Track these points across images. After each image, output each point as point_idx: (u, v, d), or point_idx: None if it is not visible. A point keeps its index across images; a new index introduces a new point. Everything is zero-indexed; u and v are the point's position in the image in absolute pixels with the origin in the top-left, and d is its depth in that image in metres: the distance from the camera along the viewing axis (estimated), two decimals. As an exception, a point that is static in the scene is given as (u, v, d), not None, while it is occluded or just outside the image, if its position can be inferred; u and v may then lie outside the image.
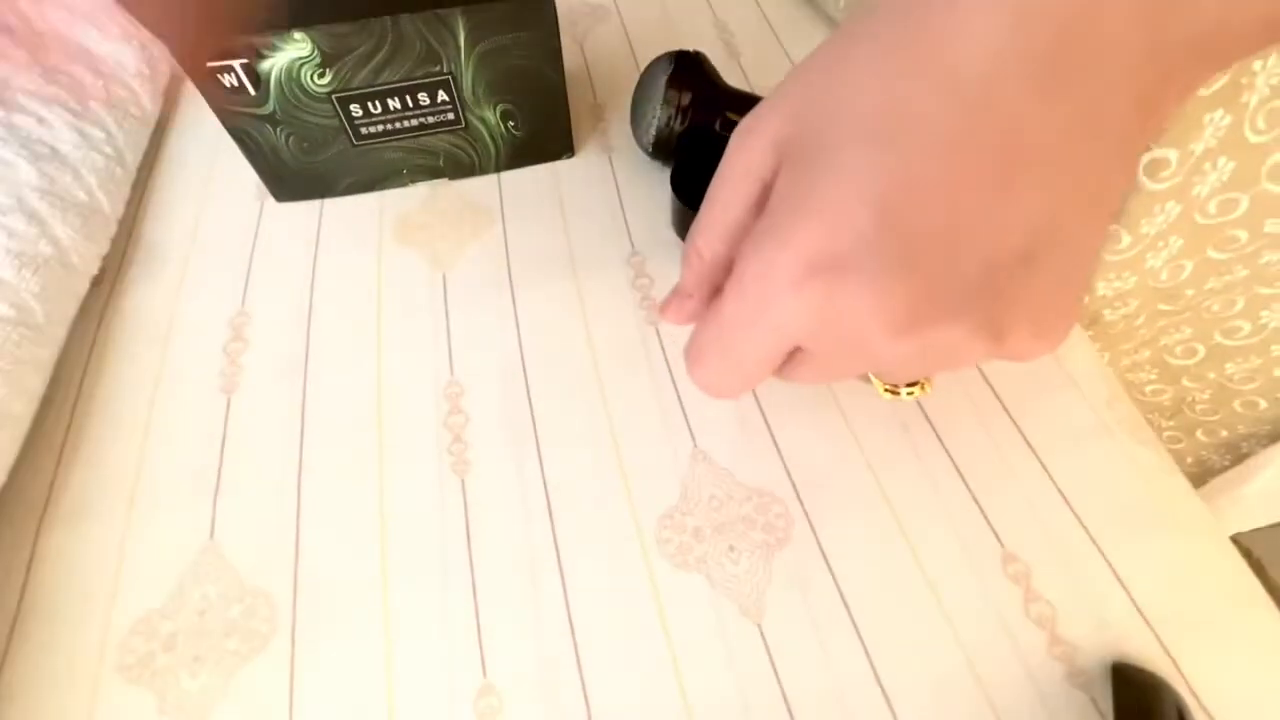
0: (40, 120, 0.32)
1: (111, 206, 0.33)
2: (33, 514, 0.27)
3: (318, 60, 0.29)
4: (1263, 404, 0.39)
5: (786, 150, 0.18)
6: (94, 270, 0.32)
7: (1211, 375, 0.38)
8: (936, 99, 0.16)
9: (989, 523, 0.26)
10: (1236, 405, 0.40)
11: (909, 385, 0.26)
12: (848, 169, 0.16)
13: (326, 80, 0.30)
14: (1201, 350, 0.37)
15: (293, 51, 0.29)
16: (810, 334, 0.18)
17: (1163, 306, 0.35)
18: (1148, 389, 0.41)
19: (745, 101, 0.33)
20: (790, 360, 0.20)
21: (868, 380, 0.26)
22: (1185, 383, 0.40)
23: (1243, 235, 0.30)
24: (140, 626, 0.25)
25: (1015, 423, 0.28)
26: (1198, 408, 0.41)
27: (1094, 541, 0.25)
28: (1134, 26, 0.15)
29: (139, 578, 0.26)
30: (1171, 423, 0.44)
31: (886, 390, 0.26)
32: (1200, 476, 0.47)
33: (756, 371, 0.20)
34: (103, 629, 0.25)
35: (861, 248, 0.16)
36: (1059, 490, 0.26)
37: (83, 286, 0.31)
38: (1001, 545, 0.25)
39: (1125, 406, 0.28)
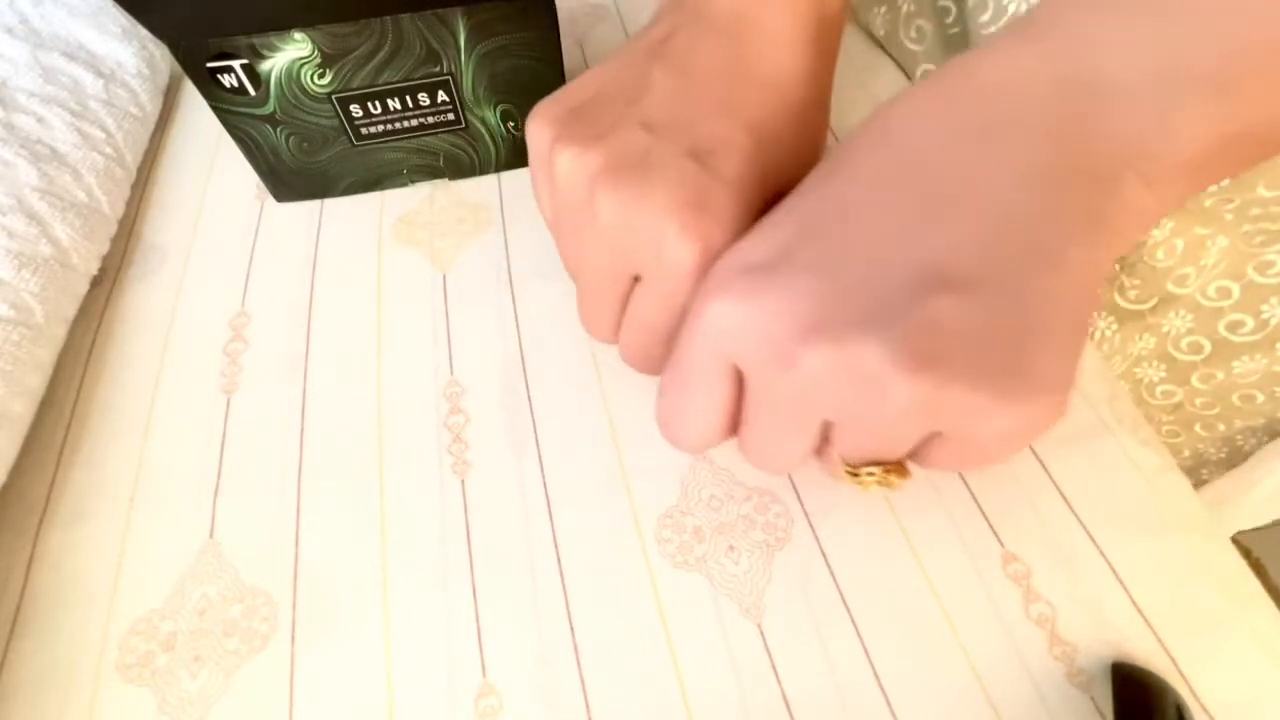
0: (40, 120, 0.32)
1: (111, 206, 0.33)
2: (33, 514, 0.27)
3: (318, 60, 0.29)
4: (1260, 397, 0.39)
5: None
6: (94, 270, 0.32)
7: (1220, 375, 0.38)
8: (872, 150, 0.19)
9: (989, 523, 0.26)
10: (1234, 399, 0.40)
11: (870, 466, 0.21)
12: (786, 201, 0.20)
13: (326, 80, 0.30)
14: (1208, 346, 0.37)
15: (293, 51, 0.29)
16: (737, 343, 0.18)
17: (1173, 288, 0.35)
18: (1159, 390, 0.41)
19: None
20: (741, 407, 0.20)
21: (836, 473, 0.22)
22: (1195, 382, 0.40)
23: (1229, 216, 0.31)
24: (140, 626, 0.25)
25: (1015, 423, 0.28)
26: (1197, 402, 0.42)
27: (1094, 541, 0.25)
28: (1060, 110, 0.17)
29: (139, 578, 0.26)
30: (1171, 418, 0.44)
31: (848, 470, 0.21)
32: (1194, 469, 0.47)
33: (702, 408, 0.20)
34: (103, 629, 0.25)
35: (779, 255, 0.18)
36: (1059, 490, 0.26)
37: (82, 286, 0.31)
38: (1001, 545, 0.25)
39: (1125, 406, 0.28)
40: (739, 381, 0.19)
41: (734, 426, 0.21)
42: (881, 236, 0.17)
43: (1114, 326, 0.39)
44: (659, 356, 0.24)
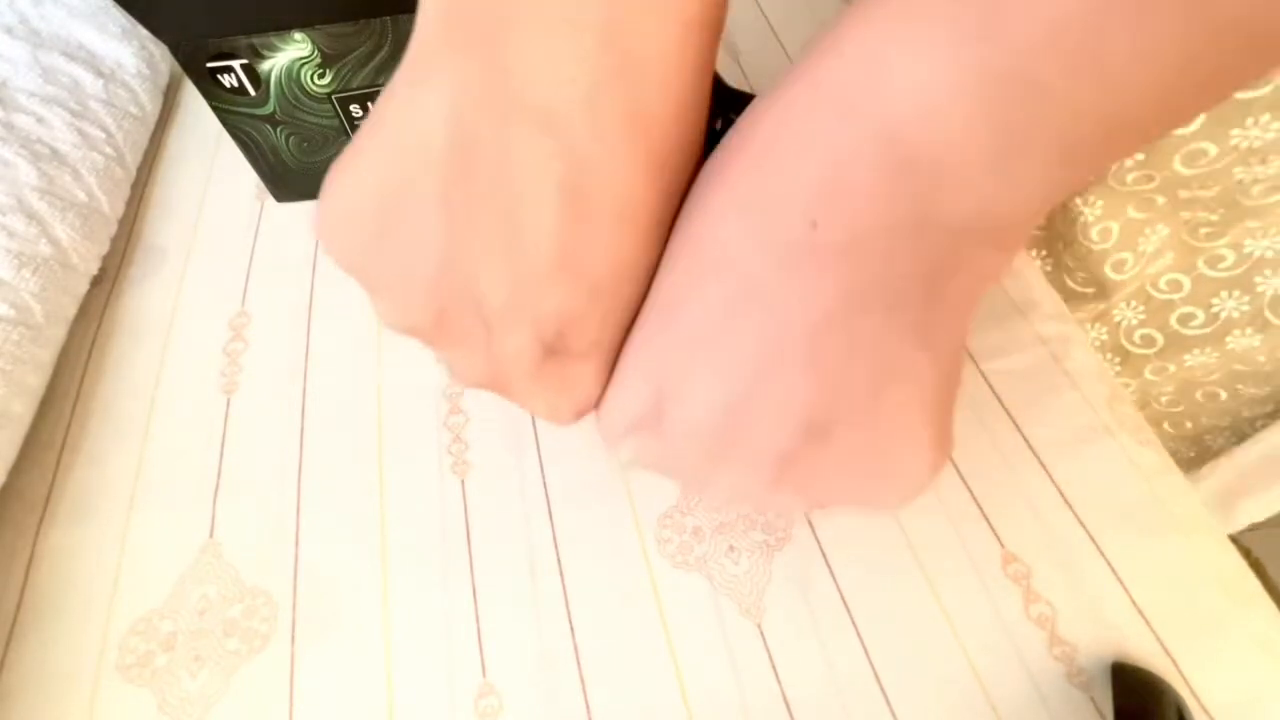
0: (40, 120, 0.32)
1: (111, 206, 0.33)
2: (33, 514, 0.27)
3: (318, 60, 0.29)
4: (1223, 395, 0.39)
5: None
6: (94, 270, 0.32)
7: (1171, 368, 0.39)
8: (701, 288, 0.16)
9: (989, 523, 0.26)
10: (1198, 396, 0.40)
11: None
12: (638, 346, 0.18)
13: (326, 80, 0.30)
14: (1160, 339, 0.37)
15: (293, 51, 0.29)
16: (649, 469, 0.20)
17: (1110, 273, 0.36)
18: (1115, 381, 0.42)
19: (745, 102, 0.33)
20: None
21: None
22: (1148, 374, 0.40)
23: (1160, 200, 0.31)
24: (140, 626, 0.25)
25: (1015, 423, 0.28)
26: (1163, 399, 0.42)
27: (1094, 541, 0.25)
28: (885, 204, 0.14)
29: (139, 578, 0.26)
30: (1141, 414, 0.44)
31: None
32: None
33: None
34: (103, 629, 0.25)
35: (653, 411, 0.18)
36: (1059, 490, 0.26)
37: (82, 286, 0.31)
38: (1001, 545, 0.25)
39: (1125, 407, 0.28)
40: None
41: None
42: (734, 386, 0.17)
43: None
44: None
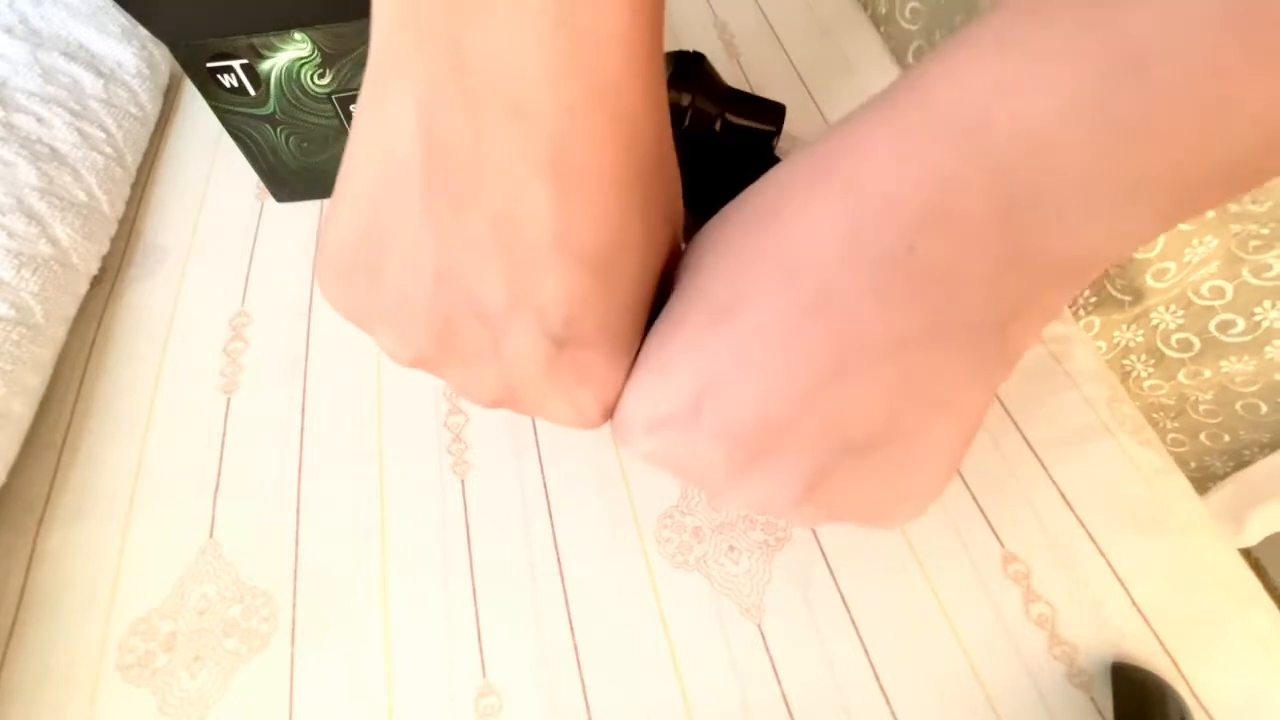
0: (40, 120, 0.32)
1: (111, 206, 0.33)
2: (33, 514, 0.27)
3: (318, 60, 0.29)
4: (1264, 408, 0.39)
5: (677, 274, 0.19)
6: (94, 270, 0.32)
7: (1208, 373, 0.38)
8: (775, 291, 0.16)
9: (989, 523, 0.26)
10: (1238, 408, 0.40)
11: None
12: (687, 340, 0.17)
13: (326, 80, 0.30)
14: (1197, 344, 0.37)
15: (293, 51, 0.29)
16: (668, 469, 0.19)
17: (1150, 281, 0.35)
18: (1146, 384, 0.42)
19: (745, 102, 0.33)
20: None
21: None
22: (1181, 378, 0.40)
23: (1210, 213, 0.31)
24: (140, 626, 0.25)
25: (1016, 423, 0.28)
26: (1201, 409, 0.42)
27: (1094, 541, 0.25)
28: (989, 237, 0.14)
29: (139, 578, 0.26)
30: (1176, 424, 0.44)
31: None
32: (1201, 481, 0.47)
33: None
34: (103, 629, 0.25)
35: (686, 413, 0.17)
36: (1059, 490, 0.26)
37: (82, 286, 0.31)
38: (1001, 545, 0.25)
39: (1125, 407, 0.28)
40: None
41: None
42: (788, 396, 0.16)
43: (1092, 301, 0.40)
44: None
